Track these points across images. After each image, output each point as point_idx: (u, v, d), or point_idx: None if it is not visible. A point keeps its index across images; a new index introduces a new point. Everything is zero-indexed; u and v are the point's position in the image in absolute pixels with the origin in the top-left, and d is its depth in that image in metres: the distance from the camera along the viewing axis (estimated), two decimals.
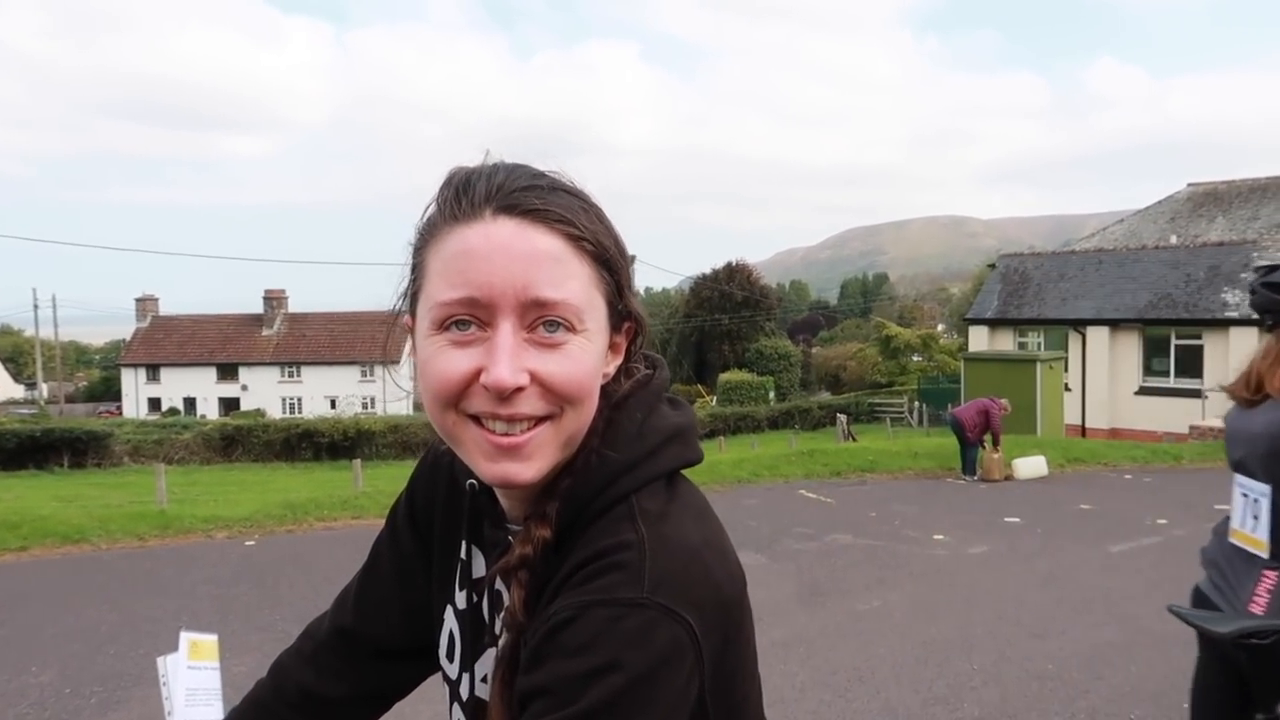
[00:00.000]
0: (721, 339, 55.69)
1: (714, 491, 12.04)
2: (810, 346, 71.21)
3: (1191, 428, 18.56)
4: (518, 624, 0.81)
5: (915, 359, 46.85)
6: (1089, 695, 4.65)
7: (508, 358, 0.74)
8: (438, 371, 0.77)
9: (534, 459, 0.78)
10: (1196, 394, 20.98)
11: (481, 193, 0.77)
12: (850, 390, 49.77)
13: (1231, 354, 21.07)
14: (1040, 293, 24.48)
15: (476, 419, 0.77)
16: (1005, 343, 24.42)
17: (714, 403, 44.88)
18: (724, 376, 47.09)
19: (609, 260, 0.81)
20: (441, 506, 1.00)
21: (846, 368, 54.99)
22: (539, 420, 0.78)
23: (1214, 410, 20.00)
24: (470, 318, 0.76)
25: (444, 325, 0.77)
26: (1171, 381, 21.95)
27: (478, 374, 0.76)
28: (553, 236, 0.77)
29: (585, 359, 0.78)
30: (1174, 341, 22.05)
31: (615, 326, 0.84)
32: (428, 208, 0.81)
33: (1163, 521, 9.60)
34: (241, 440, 26.89)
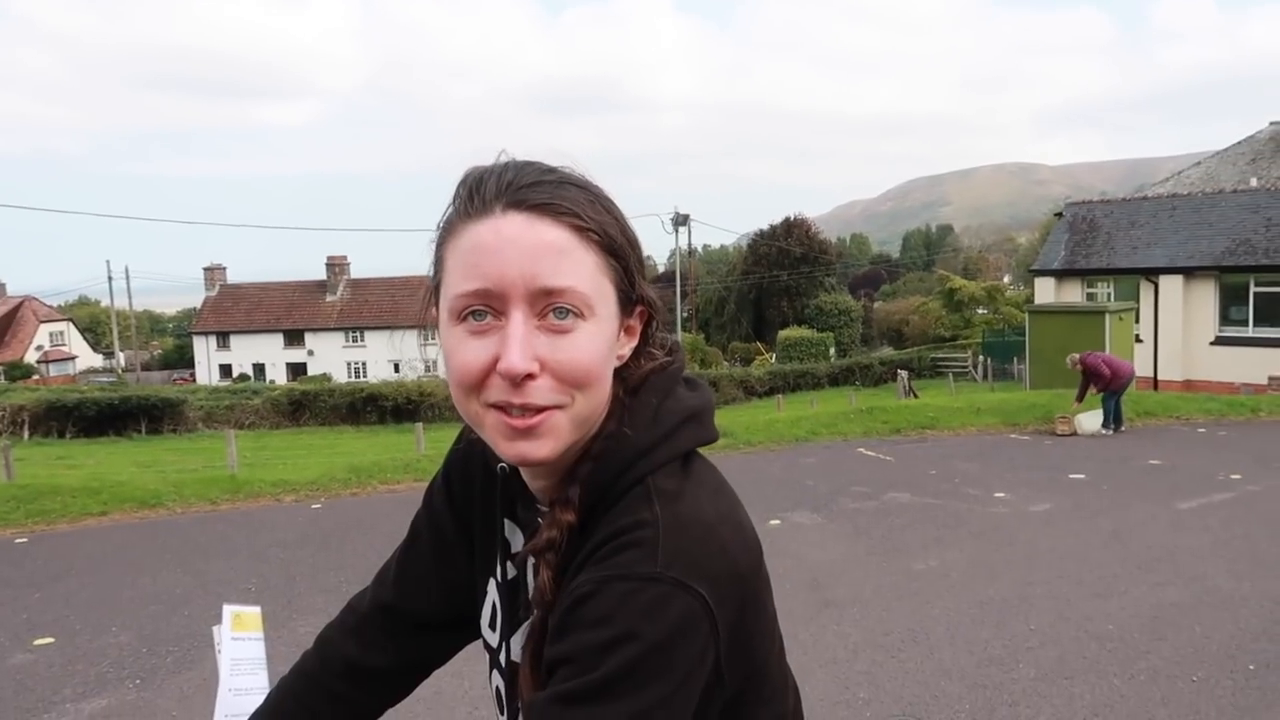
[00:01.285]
0: (780, 295, 55.17)
1: (772, 451, 12.02)
2: (872, 301, 70.19)
3: (1271, 378, 17.92)
4: (545, 601, 0.86)
5: (980, 312, 45.89)
6: (1149, 656, 4.56)
7: (519, 345, 0.79)
8: (459, 362, 0.83)
9: (547, 438, 0.83)
10: (1277, 343, 20.21)
11: (492, 190, 0.83)
12: (913, 345, 49.00)
13: None
14: (1110, 241, 23.70)
15: (498, 406, 0.82)
16: (1073, 294, 23.73)
17: (773, 360, 44.62)
18: (783, 333, 46.73)
19: (616, 248, 0.85)
20: (479, 488, 1.06)
21: (909, 322, 54.07)
22: (552, 406, 0.82)
23: None
24: (485, 308, 0.81)
25: (462, 316, 0.82)
26: (1250, 331, 21.15)
27: (494, 362, 0.80)
28: (559, 228, 0.81)
29: (595, 344, 0.83)
30: (1253, 289, 21.20)
31: (627, 311, 0.88)
32: (447, 208, 0.87)
33: (1236, 477, 9.32)
34: (309, 405, 27.53)
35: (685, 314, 49.92)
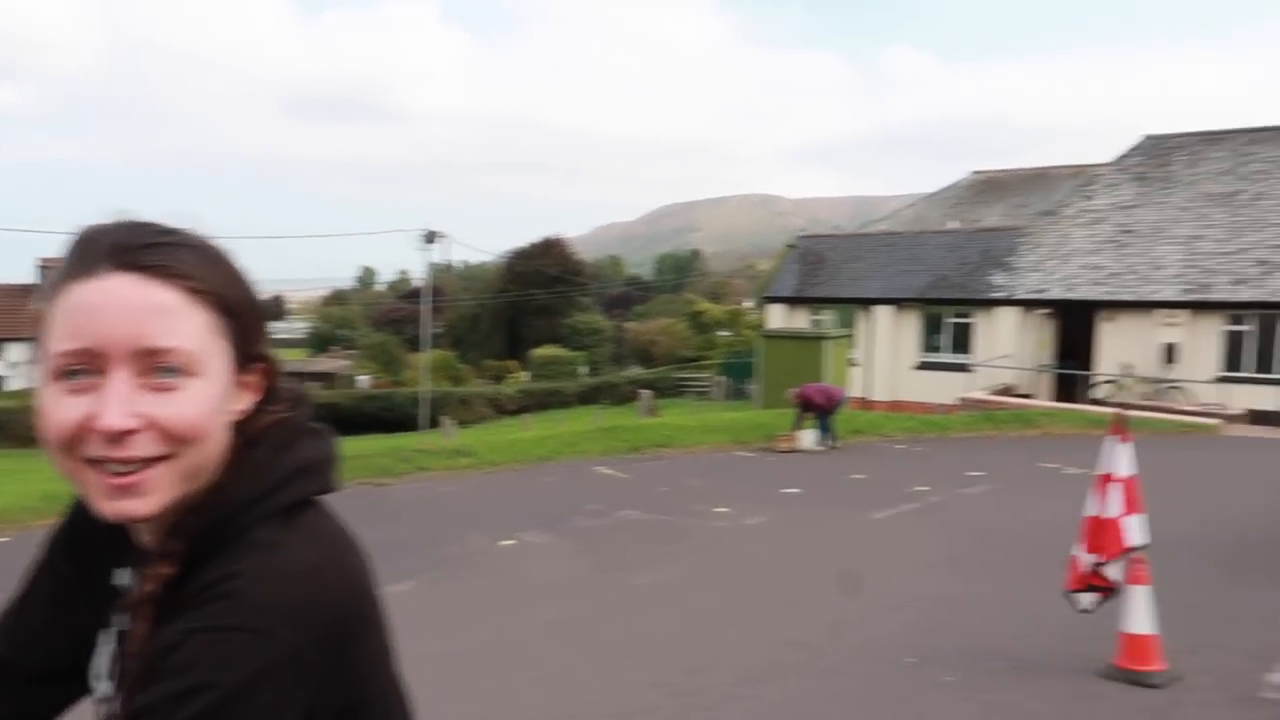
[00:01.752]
0: (537, 314, 55.62)
1: (514, 471, 12.12)
2: (625, 321, 72.28)
3: (960, 399, 20.23)
4: (140, 653, 0.87)
5: (723, 334, 48.56)
6: (827, 656, 5.08)
7: (116, 403, 0.81)
8: (53, 419, 0.83)
9: (151, 494, 0.85)
10: (966, 368, 22.87)
11: (103, 250, 0.84)
12: (661, 365, 50.99)
13: (998, 331, 23.13)
14: (834, 273, 25.93)
15: (97, 462, 0.83)
16: (801, 320, 25.74)
17: (526, 378, 44.90)
18: (537, 352, 47.17)
19: (232, 308, 0.88)
20: (101, 534, 1.04)
21: (658, 342, 56.24)
22: (155, 460, 0.85)
23: (981, 383, 21.90)
24: (84, 367, 0.81)
25: (60, 375, 0.82)
26: (947, 357, 23.83)
27: (91, 420, 0.81)
28: (169, 289, 0.84)
29: (202, 401, 0.85)
30: (949, 320, 23.94)
31: (244, 368, 0.91)
32: (57, 268, 0.87)
33: (923, 488, 10.47)
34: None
35: (439, 330, 49.14)
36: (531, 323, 55.34)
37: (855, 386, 21.31)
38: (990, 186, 31.53)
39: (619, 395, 39.93)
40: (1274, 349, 20.29)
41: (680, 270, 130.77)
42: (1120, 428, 4.79)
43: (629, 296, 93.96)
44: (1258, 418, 18.49)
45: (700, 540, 7.99)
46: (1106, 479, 4.75)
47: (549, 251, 57.50)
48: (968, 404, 19.66)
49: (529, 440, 14.48)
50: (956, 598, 6.17)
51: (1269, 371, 20.17)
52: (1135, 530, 4.64)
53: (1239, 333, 20.68)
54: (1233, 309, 20.74)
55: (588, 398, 39.29)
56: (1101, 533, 4.71)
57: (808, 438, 14.00)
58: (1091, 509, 4.78)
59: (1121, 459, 4.72)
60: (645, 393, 26.17)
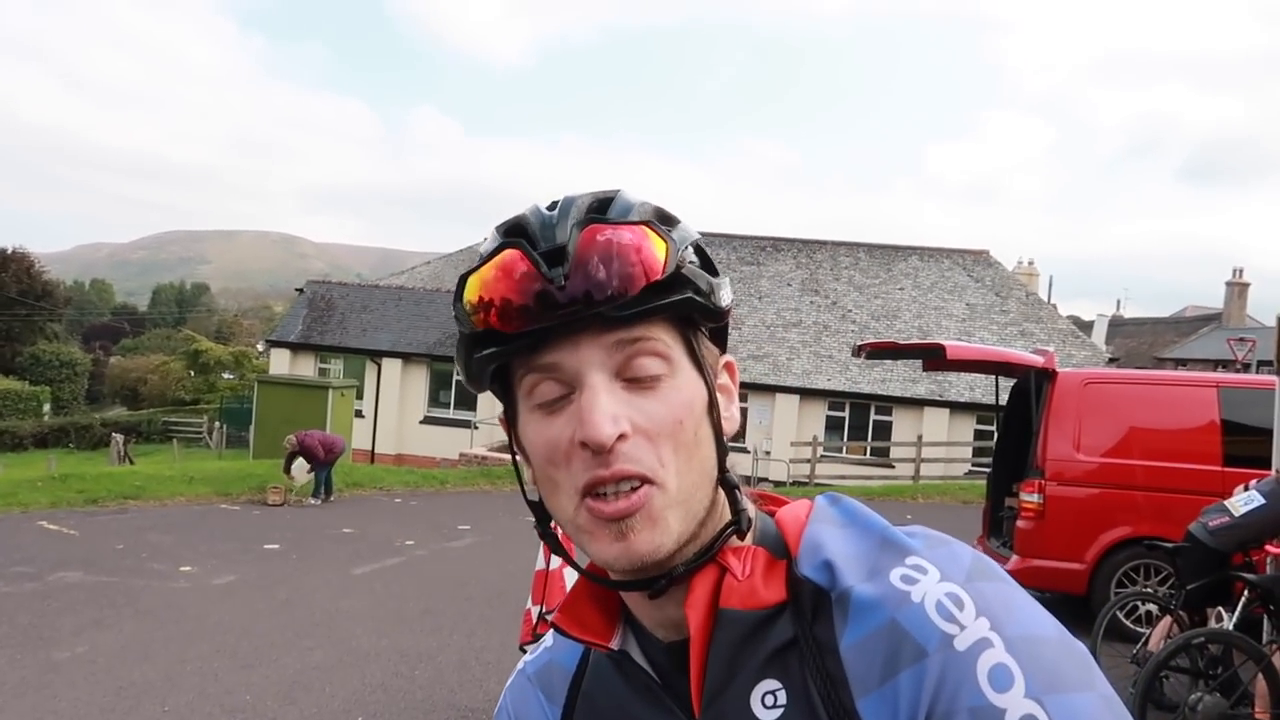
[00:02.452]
0: None
1: None
2: (109, 355, 63.81)
3: (461, 454, 20.81)
4: None
5: (227, 377, 44.89)
6: None
7: None
8: None
9: None
10: (468, 424, 23.67)
11: None
12: (150, 406, 45.63)
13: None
14: (344, 321, 25.40)
15: None
16: (307, 367, 24.76)
17: None
18: None
19: None
20: None
21: (148, 381, 50.31)
22: None
23: (481, 440, 22.78)
24: None
25: None
26: (451, 412, 24.44)
27: None
28: None
29: None
30: (457, 377, 24.66)
31: None
32: None
33: (410, 542, 10.49)
34: None
35: None
36: None
37: (361, 438, 20.94)
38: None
39: (91, 439, 34.93)
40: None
41: (183, 304, 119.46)
42: None
43: (116, 328, 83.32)
44: None
45: (151, 603, 7.15)
46: None
47: (7, 266, 48.81)
48: (467, 459, 20.30)
49: None
50: (422, 651, 6.21)
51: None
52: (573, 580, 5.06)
53: None
54: None
55: (48, 440, 33.79)
56: (547, 585, 5.06)
57: (301, 473, 13.38)
58: (540, 563, 5.13)
59: None
60: (117, 436, 23.19)
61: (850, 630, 0.67)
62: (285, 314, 30.66)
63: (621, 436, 0.67)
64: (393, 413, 24.19)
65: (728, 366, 0.79)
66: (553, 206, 0.73)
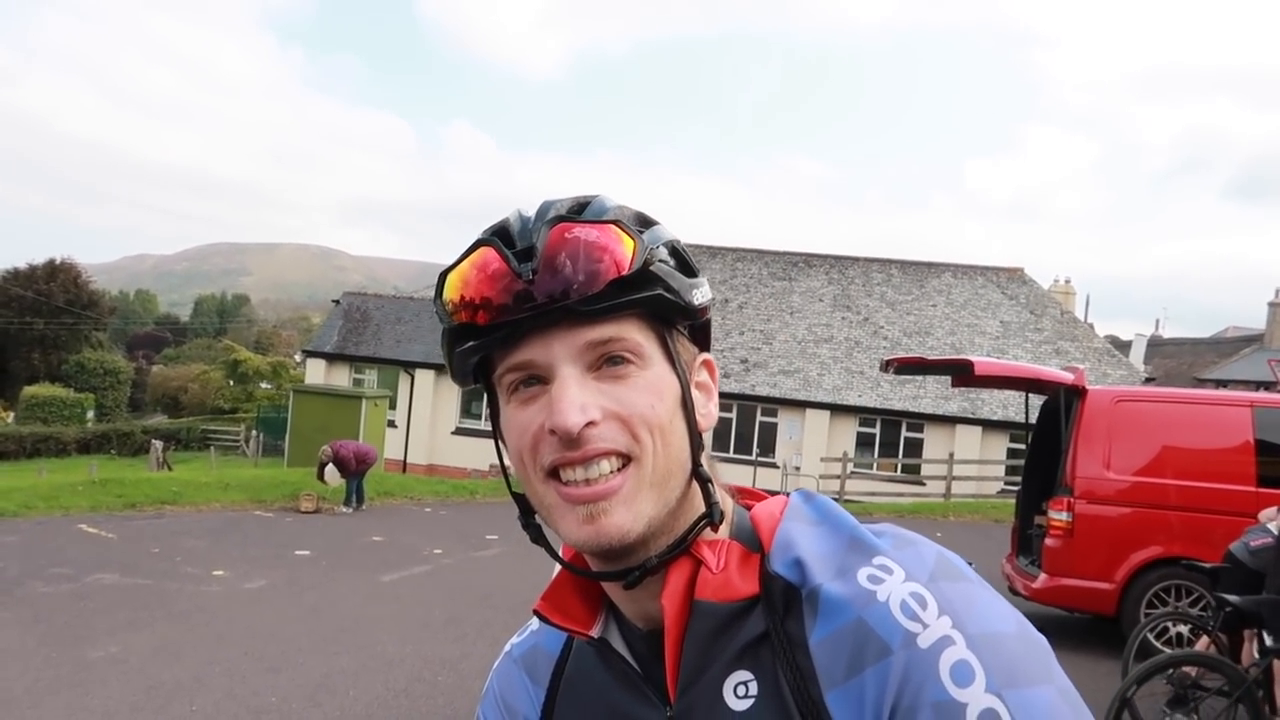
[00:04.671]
0: (33, 346, 47.79)
1: None
2: (151, 364, 64.96)
3: (491, 465, 20.93)
4: None
5: (265, 386, 45.52)
6: None
7: None
8: None
9: None
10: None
11: None
12: (190, 414, 46.36)
13: None
14: (379, 332, 25.69)
15: None
16: (342, 377, 25.06)
17: (11, 420, 38.36)
18: (29, 390, 40.41)
19: None
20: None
21: (188, 390, 51.14)
22: None
23: None
24: None
25: None
26: (482, 424, 24.58)
27: None
28: None
29: None
30: None
31: None
32: None
33: (438, 551, 10.59)
34: None
35: None
36: (26, 356, 47.49)
37: (393, 448, 21.15)
38: None
39: (132, 445, 35.53)
40: (753, 434, 23.80)
41: (224, 315, 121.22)
42: None
43: (159, 337, 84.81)
44: None
45: (184, 606, 7.29)
46: None
47: (55, 276, 49.90)
48: (497, 471, 20.27)
49: None
50: (445, 658, 6.27)
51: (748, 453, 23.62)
52: None
53: (728, 419, 24.00)
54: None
55: (92, 446, 34.42)
56: None
57: (334, 478, 13.51)
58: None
59: None
60: (156, 443, 23.59)
61: (819, 627, 0.70)
62: (322, 325, 31.11)
63: (591, 424, 0.71)
64: (425, 423, 24.40)
65: (706, 364, 0.82)
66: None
